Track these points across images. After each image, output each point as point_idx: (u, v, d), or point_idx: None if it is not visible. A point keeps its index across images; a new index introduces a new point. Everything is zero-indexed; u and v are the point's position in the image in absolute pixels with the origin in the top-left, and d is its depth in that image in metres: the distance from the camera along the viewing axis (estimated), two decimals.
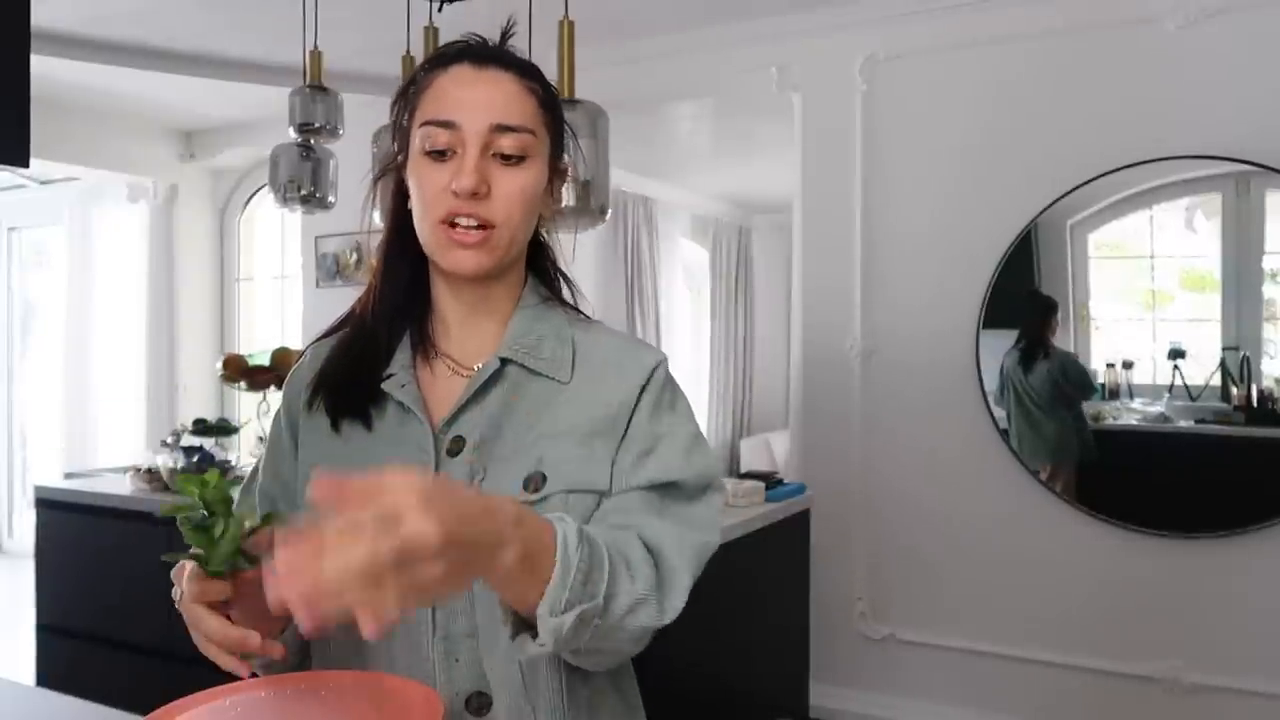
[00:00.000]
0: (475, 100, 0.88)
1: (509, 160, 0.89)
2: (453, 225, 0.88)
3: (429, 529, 0.58)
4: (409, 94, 0.93)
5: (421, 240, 0.92)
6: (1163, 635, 2.93)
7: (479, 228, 0.88)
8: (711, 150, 5.31)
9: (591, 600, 0.73)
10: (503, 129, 0.88)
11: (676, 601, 0.81)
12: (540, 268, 1.01)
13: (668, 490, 0.89)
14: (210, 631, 0.80)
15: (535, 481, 0.88)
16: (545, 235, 1.02)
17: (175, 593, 0.85)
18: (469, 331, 0.96)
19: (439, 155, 0.88)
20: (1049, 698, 3.09)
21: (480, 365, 0.94)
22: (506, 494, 0.87)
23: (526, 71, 0.92)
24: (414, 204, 0.91)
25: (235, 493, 0.84)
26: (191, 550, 0.80)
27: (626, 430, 0.91)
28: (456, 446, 0.90)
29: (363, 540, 0.57)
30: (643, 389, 0.93)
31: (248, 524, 0.79)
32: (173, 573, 0.85)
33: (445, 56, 0.92)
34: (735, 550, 2.38)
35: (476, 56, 0.91)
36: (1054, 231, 3.08)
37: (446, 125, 0.88)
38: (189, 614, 0.81)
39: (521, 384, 0.93)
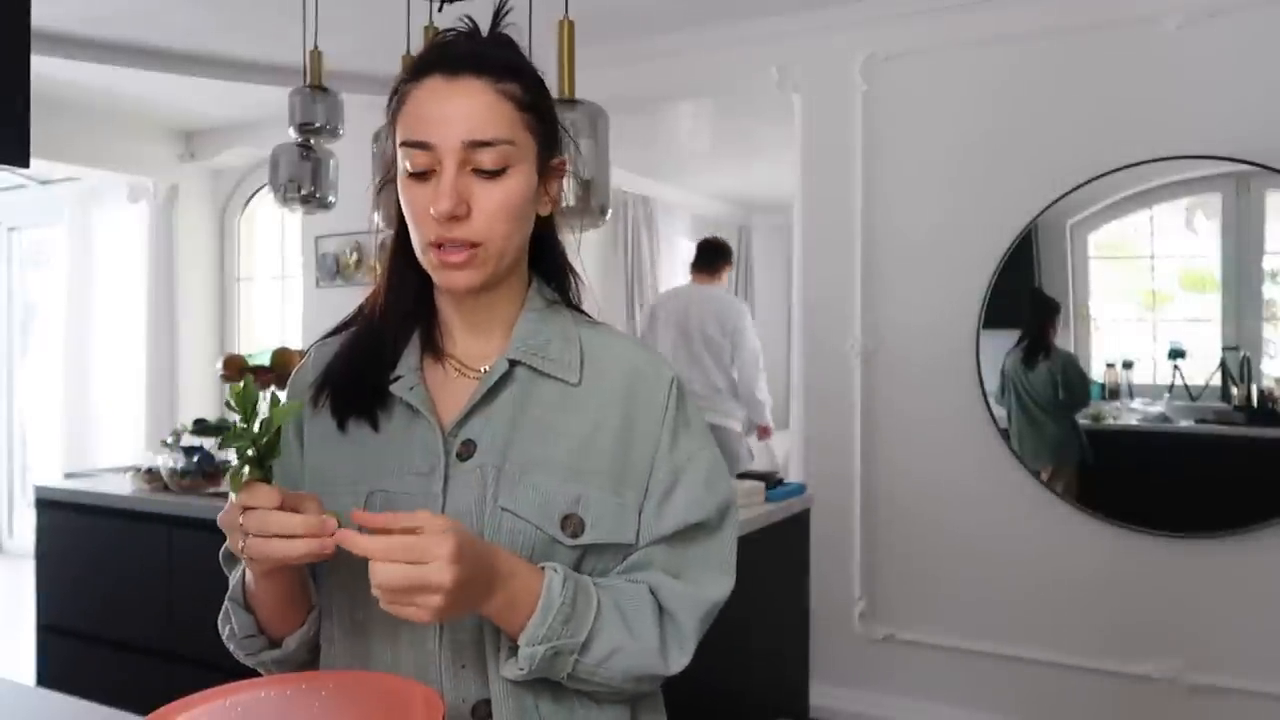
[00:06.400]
0: (448, 117, 0.86)
1: (489, 174, 0.87)
2: (440, 246, 0.88)
3: (447, 576, 0.75)
4: (392, 106, 0.91)
5: (418, 257, 0.91)
6: (1163, 635, 2.93)
7: (465, 246, 0.87)
8: (711, 150, 5.32)
9: (570, 638, 0.83)
10: (478, 144, 0.86)
11: (682, 659, 0.91)
12: (545, 268, 1.00)
13: (689, 533, 0.93)
14: (282, 524, 0.79)
15: (574, 526, 0.89)
16: (555, 233, 1.01)
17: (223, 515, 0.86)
18: (474, 336, 0.96)
19: (421, 176, 0.87)
20: (1048, 698, 3.09)
21: (488, 367, 0.94)
22: (522, 502, 0.88)
23: (505, 73, 0.88)
24: (407, 222, 0.91)
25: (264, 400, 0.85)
26: (237, 464, 0.81)
27: (652, 467, 0.93)
28: (467, 451, 0.90)
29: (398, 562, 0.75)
30: (663, 417, 0.94)
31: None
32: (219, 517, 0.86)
33: (420, 66, 0.89)
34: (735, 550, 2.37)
35: (449, 65, 0.87)
36: (1054, 231, 3.08)
37: (422, 146, 0.86)
38: (247, 520, 0.80)
39: (531, 386, 0.93)
